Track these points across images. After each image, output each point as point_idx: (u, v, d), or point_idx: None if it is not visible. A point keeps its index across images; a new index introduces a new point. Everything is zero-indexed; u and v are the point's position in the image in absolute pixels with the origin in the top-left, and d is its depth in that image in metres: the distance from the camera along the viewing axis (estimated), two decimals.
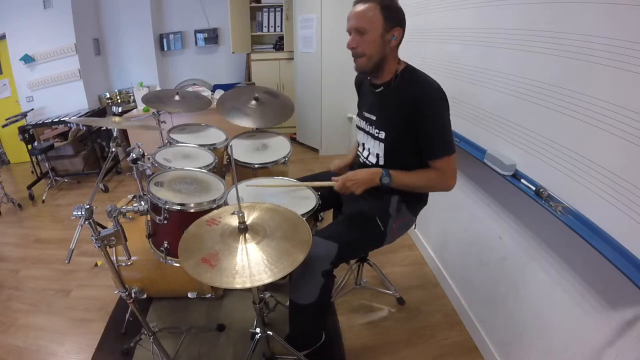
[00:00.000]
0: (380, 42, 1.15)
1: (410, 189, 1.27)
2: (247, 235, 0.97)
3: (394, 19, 1.14)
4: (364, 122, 1.37)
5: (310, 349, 1.44)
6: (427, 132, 1.17)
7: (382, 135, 1.27)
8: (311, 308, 1.27)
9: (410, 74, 1.22)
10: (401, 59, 1.26)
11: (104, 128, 3.70)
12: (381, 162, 1.31)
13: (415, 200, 1.38)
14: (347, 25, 1.18)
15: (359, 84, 1.45)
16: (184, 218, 1.26)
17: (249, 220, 1.01)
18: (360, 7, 1.14)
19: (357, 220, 1.35)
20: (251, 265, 0.89)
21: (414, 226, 1.46)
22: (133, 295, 1.28)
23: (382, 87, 1.26)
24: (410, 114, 1.16)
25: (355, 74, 1.36)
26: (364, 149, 1.41)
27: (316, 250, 1.18)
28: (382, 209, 1.33)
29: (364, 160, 1.40)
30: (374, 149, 1.33)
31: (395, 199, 1.32)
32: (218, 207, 1.31)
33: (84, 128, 3.54)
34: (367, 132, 1.35)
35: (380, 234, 1.33)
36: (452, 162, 1.20)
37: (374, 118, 1.31)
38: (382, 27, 1.13)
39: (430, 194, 1.42)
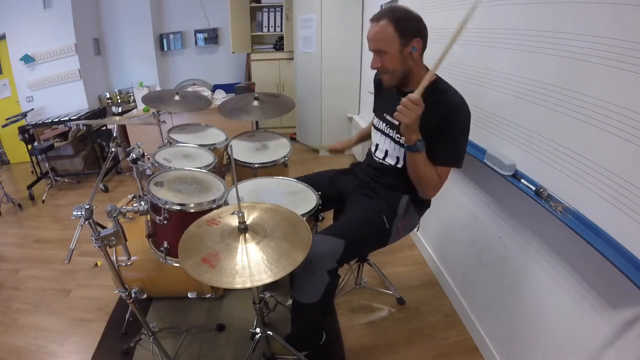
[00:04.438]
0: (400, 58, 1.15)
1: (416, 174, 1.22)
2: (247, 235, 0.97)
3: (410, 31, 1.13)
4: (384, 124, 1.35)
5: (311, 349, 1.44)
6: (443, 141, 1.16)
7: (403, 140, 1.22)
8: (314, 307, 1.27)
9: (440, 86, 1.20)
10: None
11: (104, 128, 3.70)
12: (400, 165, 1.30)
13: (423, 202, 1.38)
14: (368, 45, 1.20)
15: (378, 82, 1.43)
16: (184, 218, 1.26)
17: (248, 220, 1.01)
18: (375, 27, 1.14)
19: (364, 217, 1.34)
20: (251, 265, 0.89)
21: (416, 228, 1.46)
22: (133, 295, 1.28)
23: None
24: (435, 125, 1.15)
25: (374, 72, 1.32)
26: (377, 149, 1.39)
27: (322, 247, 1.18)
28: (390, 207, 1.33)
29: (380, 160, 1.37)
30: (393, 152, 1.32)
31: (405, 199, 1.31)
32: (218, 207, 1.31)
33: (84, 128, 3.55)
34: (387, 135, 1.34)
35: (385, 232, 1.32)
36: (448, 173, 1.21)
37: (396, 123, 1.23)
38: (399, 43, 1.12)
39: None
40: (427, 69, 1.22)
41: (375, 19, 1.15)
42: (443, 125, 1.15)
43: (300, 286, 1.26)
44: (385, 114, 1.35)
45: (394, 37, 1.12)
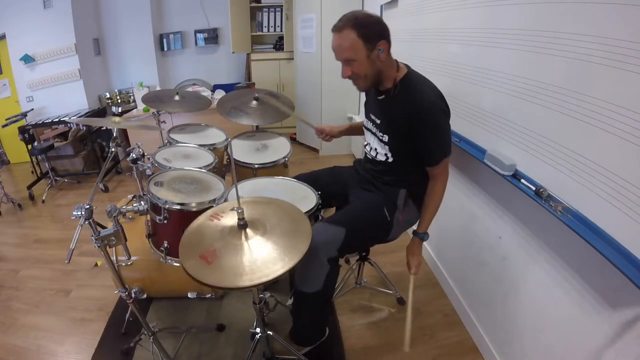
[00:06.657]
0: (368, 62, 1.17)
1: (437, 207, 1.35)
2: (247, 231, 0.96)
3: (374, 35, 1.14)
4: (370, 124, 1.40)
5: (313, 345, 1.44)
6: (426, 142, 1.22)
7: (386, 138, 1.31)
8: (316, 297, 1.27)
9: (410, 82, 1.24)
10: (400, 60, 1.27)
11: (104, 128, 3.70)
12: (390, 160, 1.35)
13: (422, 196, 1.40)
14: (335, 56, 1.21)
15: None
16: (183, 218, 1.25)
17: (248, 216, 1.01)
18: (338, 37, 1.16)
19: (365, 208, 1.37)
20: (252, 263, 0.89)
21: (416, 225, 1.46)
22: (133, 295, 1.28)
23: (383, 95, 1.29)
24: (409, 123, 1.20)
25: None
26: (370, 148, 1.44)
27: (323, 235, 1.20)
28: (390, 200, 1.36)
29: (373, 157, 1.42)
30: (381, 150, 1.37)
31: (403, 193, 1.35)
32: None
33: (84, 128, 3.55)
34: (373, 134, 1.39)
35: (386, 224, 1.35)
36: (447, 164, 1.28)
37: (378, 122, 1.35)
38: (365, 49, 1.14)
39: None
40: (398, 64, 1.26)
41: (337, 29, 1.16)
42: (419, 124, 1.19)
43: (301, 275, 1.28)
44: (370, 114, 1.40)
45: (360, 44, 1.13)
